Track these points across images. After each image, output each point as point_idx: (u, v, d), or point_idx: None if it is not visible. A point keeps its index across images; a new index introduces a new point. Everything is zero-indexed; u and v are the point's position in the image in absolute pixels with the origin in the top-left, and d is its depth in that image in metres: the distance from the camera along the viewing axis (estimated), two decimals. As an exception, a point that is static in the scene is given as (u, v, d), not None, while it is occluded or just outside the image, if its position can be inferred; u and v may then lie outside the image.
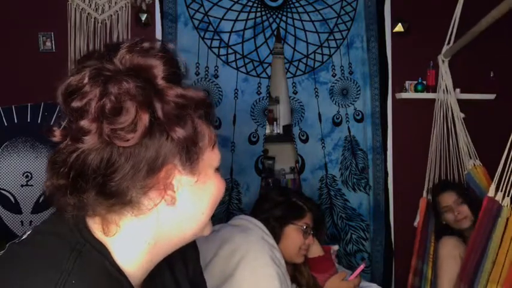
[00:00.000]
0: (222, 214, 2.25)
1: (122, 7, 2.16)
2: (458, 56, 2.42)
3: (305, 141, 2.37)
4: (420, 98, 2.46)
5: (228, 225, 1.52)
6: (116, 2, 2.15)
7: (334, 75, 2.38)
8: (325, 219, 2.29)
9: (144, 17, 2.19)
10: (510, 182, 1.75)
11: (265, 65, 2.30)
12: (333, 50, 2.37)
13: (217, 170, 0.68)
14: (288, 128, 3.06)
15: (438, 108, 2.40)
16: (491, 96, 2.53)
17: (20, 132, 2.04)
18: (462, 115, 2.35)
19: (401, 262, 2.47)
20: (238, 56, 2.28)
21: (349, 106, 2.40)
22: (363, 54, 2.39)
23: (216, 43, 2.26)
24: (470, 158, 2.30)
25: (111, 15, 2.15)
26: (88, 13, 2.12)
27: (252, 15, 2.29)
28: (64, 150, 0.57)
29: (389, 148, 2.46)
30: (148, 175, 0.58)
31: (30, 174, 2.05)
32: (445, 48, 2.38)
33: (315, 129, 2.37)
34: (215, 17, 2.25)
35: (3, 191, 2.04)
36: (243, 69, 2.29)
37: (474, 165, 2.28)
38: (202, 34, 2.24)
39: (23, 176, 2.05)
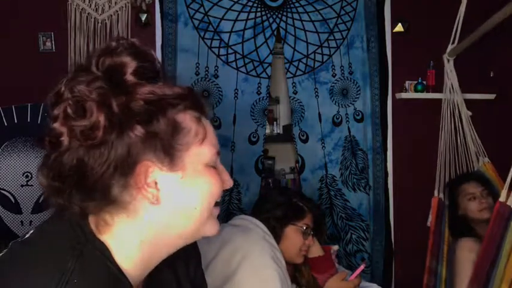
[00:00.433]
0: (222, 214, 2.25)
1: (122, 7, 2.16)
2: (458, 56, 2.42)
3: (305, 141, 2.37)
4: (420, 98, 2.46)
5: (228, 225, 1.52)
6: (116, 2, 2.15)
7: (334, 75, 2.38)
8: (326, 219, 2.29)
9: (144, 17, 2.19)
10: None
11: (265, 65, 2.31)
12: (333, 50, 2.37)
13: (213, 165, 0.67)
14: (288, 128, 3.06)
15: (445, 108, 2.41)
16: (491, 96, 2.54)
17: (20, 132, 2.04)
18: (469, 113, 2.37)
19: (401, 262, 2.47)
20: (238, 56, 2.28)
21: (349, 106, 2.40)
22: (363, 54, 2.39)
23: (216, 43, 2.26)
24: (480, 155, 2.33)
25: (111, 15, 2.15)
26: (88, 13, 2.12)
27: (252, 15, 2.29)
28: (47, 153, 0.60)
29: (389, 148, 2.46)
30: (124, 173, 0.58)
31: (30, 174, 2.05)
32: (449, 47, 2.39)
33: (315, 129, 2.37)
34: (215, 17, 2.25)
35: (3, 191, 2.04)
36: (243, 69, 2.29)
37: (484, 162, 2.31)
38: (202, 34, 2.24)
39: (23, 176, 2.05)
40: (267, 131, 2.86)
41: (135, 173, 0.59)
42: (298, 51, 2.34)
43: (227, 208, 2.29)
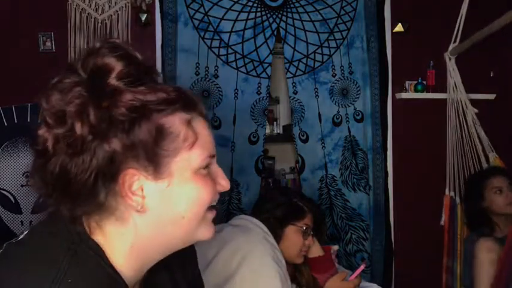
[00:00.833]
0: (222, 214, 2.25)
1: (122, 7, 2.16)
2: (458, 56, 2.42)
3: (305, 141, 2.37)
4: (420, 98, 2.46)
5: (228, 225, 1.52)
6: (116, 2, 2.15)
7: (334, 75, 2.38)
8: (326, 219, 2.29)
9: (144, 17, 2.19)
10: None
11: (265, 65, 2.30)
12: (333, 50, 2.37)
13: (205, 169, 0.64)
14: (288, 128, 3.06)
15: (450, 106, 2.43)
16: (491, 96, 2.54)
17: (20, 132, 2.04)
18: (475, 110, 2.38)
19: (402, 262, 2.47)
20: (238, 56, 2.28)
21: (349, 106, 2.40)
22: (363, 54, 2.39)
23: (216, 43, 2.26)
24: (488, 151, 2.36)
25: (111, 15, 2.15)
26: (88, 13, 2.12)
27: (252, 15, 2.29)
28: (34, 159, 0.60)
29: (390, 148, 2.46)
30: (108, 181, 0.57)
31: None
32: (451, 46, 2.40)
33: (315, 129, 2.37)
34: (215, 17, 2.25)
35: (3, 191, 2.04)
36: (243, 69, 2.29)
37: (495, 157, 2.35)
38: (202, 34, 2.24)
39: (23, 176, 2.05)
40: (267, 131, 2.86)
41: (119, 181, 0.58)
42: (298, 51, 2.34)
43: (227, 208, 2.29)
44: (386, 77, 2.44)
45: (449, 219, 2.36)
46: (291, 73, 2.35)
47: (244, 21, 2.28)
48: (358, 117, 2.40)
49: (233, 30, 2.27)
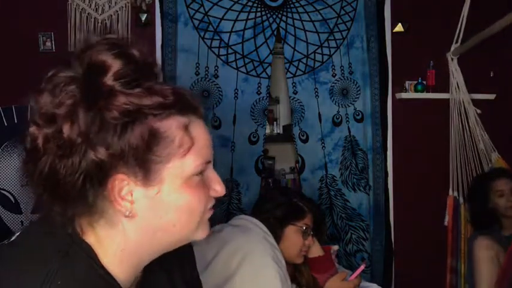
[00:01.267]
0: (222, 214, 2.25)
1: (122, 7, 2.16)
2: (457, 56, 2.42)
3: (305, 141, 2.37)
4: (420, 98, 2.46)
5: (228, 225, 1.52)
6: (116, 2, 2.15)
7: (334, 75, 2.38)
8: (326, 219, 2.29)
9: (144, 17, 2.19)
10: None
11: (265, 65, 2.30)
12: (333, 50, 2.37)
13: (198, 175, 0.61)
14: (288, 128, 3.06)
15: (452, 107, 2.43)
16: (492, 96, 2.54)
17: (20, 132, 2.03)
18: (478, 111, 2.39)
19: (402, 262, 2.47)
20: (238, 56, 2.28)
21: (349, 106, 2.40)
22: (363, 54, 2.39)
23: (216, 43, 2.26)
24: (490, 151, 2.37)
25: (111, 15, 2.15)
26: (88, 13, 2.12)
27: (252, 15, 2.29)
28: (24, 158, 0.59)
29: (390, 148, 2.46)
30: (97, 185, 0.56)
31: (30, 174, 2.05)
32: (453, 46, 2.41)
33: (315, 129, 2.37)
34: (215, 17, 2.25)
35: (3, 191, 2.04)
36: (243, 69, 2.29)
37: (497, 157, 2.36)
38: (202, 34, 2.24)
39: (23, 176, 2.05)
40: (267, 131, 2.86)
41: (108, 186, 0.56)
42: (298, 51, 2.34)
43: (227, 208, 2.29)
44: (387, 77, 2.44)
45: (453, 219, 2.38)
46: (291, 73, 2.35)
47: (244, 21, 2.28)
48: (358, 117, 2.40)
49: (233, 30, 2.27)
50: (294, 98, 2.36)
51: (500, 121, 2.50)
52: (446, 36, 2.44)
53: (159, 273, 0.72)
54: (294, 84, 2.35)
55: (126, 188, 0.57)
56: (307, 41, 2.35)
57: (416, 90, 2.45)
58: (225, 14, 2.26)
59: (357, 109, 2.40)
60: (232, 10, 2.27)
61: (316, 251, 1.61)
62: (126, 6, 2.16)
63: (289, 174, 3.27)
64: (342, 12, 2.37)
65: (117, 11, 2.16)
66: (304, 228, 1.55)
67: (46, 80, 0.57)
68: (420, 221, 2.45)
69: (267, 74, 2.31)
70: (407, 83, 2.47)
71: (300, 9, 2.34)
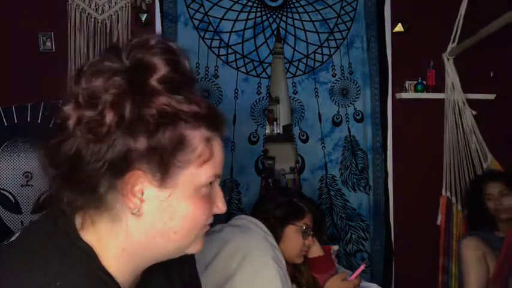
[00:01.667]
0: (222, 214, 2.25)
1: (122, 7, 2.16)
2: (457, 56, 2.42)
3: (305, 141, 2.37)
4: (420, 98, 2.46)
5: (228, 225, 1.52)
6: (116, 2, 2.15)
7: (334, 75, 2.38)
8: (326, 219, 2.29)
9: (144, 17, 2.19)
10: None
11: (265, 65, 2.30)
12: (333, 50, 2.37)
13: (207, 187, 0.63)
14: (288, 128, 3.06)
15: (447, 107, 2.43)
16: (491, 96, 2.54)
17: (20, 132, 2.04)
18: (474, 112, 2.39)
19: (401, 262, 2.47)
20: (238, 56, 2.28)
21: (349, 106, 2.40)
22: (363, 54, 2.39)
23: (216, 43, 2.26)
24: (488, 152, 2.38)
25: (111, 15, 2.15)
26: (88, 13, 2.12)
27: (252, 15, 2.29)
28: (50, 137, 0.59)
29: (390, 148, 2.46)
30: (115, 175, 0.56)
31: (30, 174, 2.05)
32: (449, 46, 2.41)
33: (315, 129, 2.37)
34: (215, 17, 2.25)
35: (3, 191, 2.03)
36: (243, 69, 2.29)
37: (492, 159, 2.36)
38: (202, 34, 2.24)
39: (23, 176, 2.05)
40: (267, 131, 2.86)
41: (125, 179, 0.57)
42: (298, 51, 2.34)
43: (227, 208, 2.28)
44: (386, 77, 2.44)
45: (446, 219, 2.37)
46: (291, 73, 2.35)
47: (244, 21, 2.28)
48: (358, 117, 2.40)
49: (233, 30, 2.27)
50: (294, 98, 2.36)
51: (500, 121, 2.50)
52: (446, 36, 2.44)
53: (158, 274, 0.72)
54: (294, 84, 2.35)
55: (139, 186, 0.58)
56: (307, 41, 2.35)
57: (416, 90, 2.45)
58: (225, 14, 2.26)
59: (357, 109, 2.40)
60: (232, 10, 2.27)
61: (316, 251, 1.61)
62: (126, 6, 2.16)
63: (289, 174, 3.27)
64: (342, 12, 2.37)
65: (117, 11, 2.16)
66: (304, 228, 1.55)
67: (90, 64, 0.58)
68: (420, 221, 2.45)
69: (267, 74, 2.31)
70: (407, 83, 2.47)
71: (300, 9, 2.34)
